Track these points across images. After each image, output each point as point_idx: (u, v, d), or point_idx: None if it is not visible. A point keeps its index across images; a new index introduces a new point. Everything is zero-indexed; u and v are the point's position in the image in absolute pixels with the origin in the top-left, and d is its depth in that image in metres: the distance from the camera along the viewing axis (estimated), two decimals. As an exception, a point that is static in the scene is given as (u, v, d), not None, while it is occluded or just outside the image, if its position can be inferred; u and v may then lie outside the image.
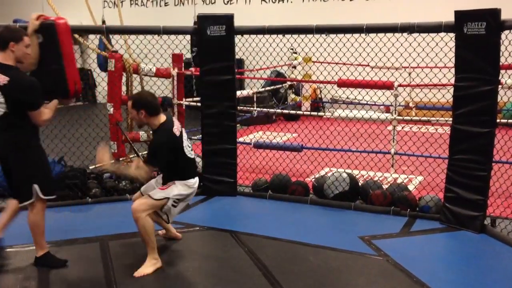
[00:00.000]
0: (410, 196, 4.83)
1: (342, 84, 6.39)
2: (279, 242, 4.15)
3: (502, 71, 4.56)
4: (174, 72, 6.60)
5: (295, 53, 10.32)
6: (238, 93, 7.08)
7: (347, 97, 10.52)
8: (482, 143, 4.22)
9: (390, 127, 6.20)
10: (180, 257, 3.88)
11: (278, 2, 12.14)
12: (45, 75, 3.59)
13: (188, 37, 6.52)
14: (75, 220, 4.73)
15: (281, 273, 3.59)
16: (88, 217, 4.83)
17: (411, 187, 5.55)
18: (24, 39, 3.44)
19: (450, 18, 4.30)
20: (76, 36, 7.50)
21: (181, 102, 6.80)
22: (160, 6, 13.48)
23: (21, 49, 3.42)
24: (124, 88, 6.40)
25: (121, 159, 6.31)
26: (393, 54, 5.33)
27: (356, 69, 6.27)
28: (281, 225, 4.57)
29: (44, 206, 3.59)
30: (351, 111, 6.29)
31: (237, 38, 5.26)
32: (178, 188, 3.66)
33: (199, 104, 5.59)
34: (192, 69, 7.64)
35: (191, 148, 3.79)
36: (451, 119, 4.45)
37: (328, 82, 6.39)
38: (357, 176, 5.32)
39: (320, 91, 11.22)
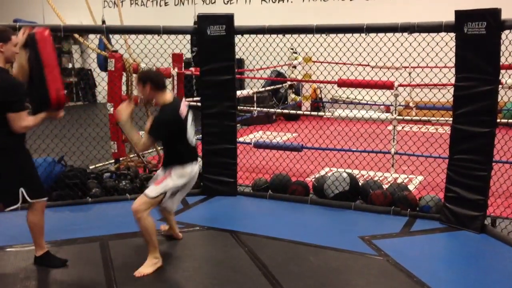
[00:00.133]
0: (410, 196, 4.83)
1: (342, 84, 6.38)
2: (279, 242, 4.15)
3: (502, 71, 4.55)
4: (174, 72, 6.60)
5: (295, 53, 10.33)
6: (238, 93, 7.08)
7: (347, 97, 10.52)
8: (482, 143, 4.22)
9: (390, 127, 6.20)
10: (180, 257, 3.88)
11: (278, 2, 12.13)
12: (32, 87, 3.53)
13: (188, 37, 6.51)
14: (75, 220, 4.72)
15: (281, 273, 3.58)
16: (88, 216, 4.83)
17: (411, 187, 5.54)
18: (12, 38, 3.41)
19: (450, 18, 4.30)
20: (76, 35, 7.51)
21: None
22: (160, 6, 13.48)
23: (10, 49, 3.40)
24: (124, 88, 6.40)
25: (121, 159, 6.31)
26: (393, 54, 5.32)
27: (356, 69, 6.26)
28: (281, 225, 4.57)
29: (44, 206, 3.59)
30: (351, 111, 6.29)
31: (237, 38, 5.26)
32: (173, 180, 3.64)
33: (199, 104, 5.58)
34: (192, 69, 7.64)
35: (194, 135, 3.77)
36: (451, 119, 4.45)
37: (328, 82, 6.39)
38: (357, 176, 5.32)
39: (320, 91, 11.22)
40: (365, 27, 4.67)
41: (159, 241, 4.00)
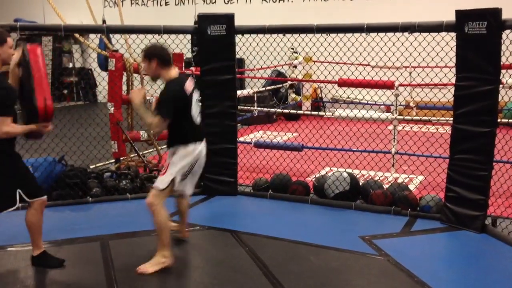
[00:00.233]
0: (411, 195, 4.83)
1: (342, 83, 6.38)
2: (279, 242, 4.15)
3: (503, 71, 4.55)
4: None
5: (296, 52, 10.33)
6: (239, 92, 7.08)
7: (348, 97, 10.52)
8: (483, 142, 4.22)
9: (390, 127, 6.20)
10: (180, 256, 3.88)
11: (279, 2, 12.13)
12: (22, 99, 3.52)
13: (188, 36, 6.50)
14: (75, 219, 4.72)
15: (282, 273, 3.58)
16: (88, 216, 4.83)
17: (411, 186, 5.54)
18: (8, 40, 3.41)
19: (450, 17, 4.30)
20: (77, 35, 7.51)
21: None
22: (161, 5, 13.48)
23: (6, 51, 3.40)
24: (124, 88, 6.40)
25: (121, 158, 6.31)
26: (393, 54, 5.32)
27: (356, 68, 6.26)
28: (281, 224, 4.57)
29: (43, 204, 3.58)
30: (351, 111, 6.29)
31: (238, 37, 5.26)
32: (177, 164, 3.57)
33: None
34: (193, 68, 7.63)
35: (198, 114, 3.69)
36: (451, 118, 4.45)
37: (329, 82, 6.39)
38: (357, 176, 5.32)
39: (321, 91, 11.22)
40: (365, 26, 4.67)
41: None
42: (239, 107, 6.59)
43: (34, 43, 3.72)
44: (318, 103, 11.02)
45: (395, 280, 3.54)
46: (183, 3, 13.20)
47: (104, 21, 7.30)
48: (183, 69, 6.78)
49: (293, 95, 10.97)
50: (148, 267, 3.57)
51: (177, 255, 3.65)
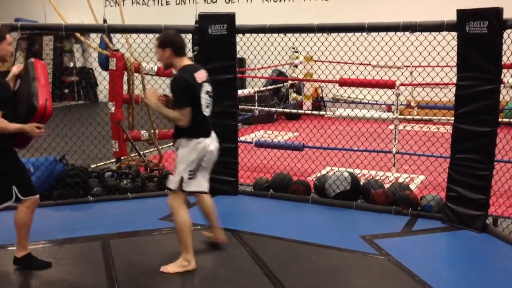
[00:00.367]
0: (412, 195, 4.82)
1: (343, 83, 6.38)
2: (280, 241, 4.15)
3: (504, 70, 4.55)
4: (176, 71, 6.58)
5: (296, 52, 10.32)
6: (240, 92, 7.08)
7: (349, 96, 10.51)
8: (484, 142, 4.21)
9: (391, 126, 6.20)
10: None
11: (280, 1, 12.12)
12: (19, 101, 3.51)
13: (189, 36, 6.50)
14: (76, 219, 4.73)
15: (283, 273, 3.58)
16: (89, 215, 4.84)
17: (412, 186, 5.53)
18: (7, 37, 3.41)
19: (451, 17, 4.29)
20: (78, 34, 7.51)
21: (169, 96, 6.78)
22: (162, 5, 13.47)
23: (4, 48, 3.40)
24: (125, 87, 6.40)
25: (122, 158, 6.31)
26: (394, 53, 5.32)
27: (357, 68, 6.25)
28: (282, 224, 4.57)
29: (36, 203, 3.56)
30: (352, 110, 6.28)
31: (238, 37, 5.26)
32: (183, 161, 3.46)
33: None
34: (194, 68, 7.63)
35: (208, 106, 3.54)
36: (452, 118, 4.44)
37: (330, 81, 6.39)
38: (358, 175, 5.32)
39: (322, 90, 11.21)
40: (366, 26, 4.67)
41: (165, 239, 4.00)
42: (239, 106, 6.59)
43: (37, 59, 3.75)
44: (319, 103, 11.01)
45: (396, 280, 3.53)
46: (184, 3, 13.19)
47: (105, 21, 7.29)
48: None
49: (294, 95, 10.96)
50: (169, 268, 3.55)
51: (178, 254, 3.64)
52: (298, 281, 3.47)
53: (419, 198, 4.82)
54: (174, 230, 3.65)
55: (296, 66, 10.48)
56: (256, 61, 5.83)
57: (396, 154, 5.89)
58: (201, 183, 3.59)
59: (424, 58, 5.32)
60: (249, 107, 8.12)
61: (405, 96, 9.10)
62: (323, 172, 5.91)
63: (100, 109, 7.18)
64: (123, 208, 5.02)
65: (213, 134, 3.63)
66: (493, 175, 4.30)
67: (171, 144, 7.03)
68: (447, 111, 5.83)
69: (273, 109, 8.65)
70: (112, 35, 6.96)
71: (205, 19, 5.12)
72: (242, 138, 6.61)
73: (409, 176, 5.89)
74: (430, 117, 6.09)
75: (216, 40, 5.09)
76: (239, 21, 5.13)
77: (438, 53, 4.86)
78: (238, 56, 5.56)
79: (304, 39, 5.40)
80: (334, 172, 5.17)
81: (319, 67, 6.28)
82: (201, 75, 3.51)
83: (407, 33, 4.60)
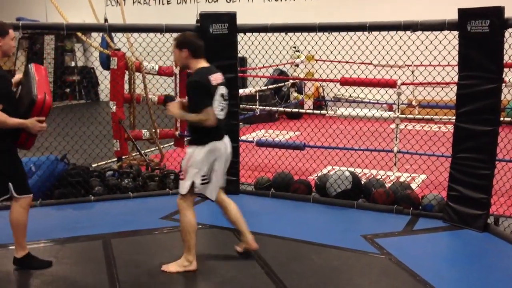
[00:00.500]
0: (413, 194, 4.82)
1: (344, 82, 6.37)
2: (281, 241, 4.15)
3: (506, 69, 4.55)
4: (177, 70, 6.60)
5: (298, 51, 10.32)
6: (241, 91, 7.08)
7: (350, 95, 10.50)
8: (486, 141, 4.21)
9: (393, 126, 6.19)
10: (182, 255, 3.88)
11: (281, 0, 12.11)
12: (21, 102, 3.51)
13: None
14: (77, 218, 4.73)
15: (284, 272, 3.58)
16: (90, 215, 4.84)
17: (414, 185, 5.53)
18: (10, 32, 3.42)
19: (453, 16, 4.29)
20: (79, 34, 7.51)
21: (184, 100, 6.79)
22: (163, 4, 13.47)
23: (7, 43, 3.41)
24: (126, 86, 6.40)
25: (123, 157, 6.32)
26: (396, 52, 5.31)
27: (359, 67, 6.25)
28: (283, 223, 4.57)
29: (30, 203, 3.56)
30: (354, 110, 6.28)
31: (240, 36, 5.26)
32: (193, 166, 3.42)
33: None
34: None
35: (222, 109, 3.48)
36: (454, 117, 4.44)
37: (331, 81, 6.38)
38: (359, 175, 5.31)
39: (323, 89, 11.20)
40: (368, 25, 4.66)
41: (169, 239, 3.99)
42: (241, 105, 6.59)
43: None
44: (320, 102, 11.00)
45: (397, 279, 3.53)
46: (185, 2, 13.19)
47: (106, 20, 7.31)
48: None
49: (295, 94, 10.96)
50: (171, 267, 3.56)
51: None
52: (299, 281, 3.47)
53: (420, 197, 4.81)
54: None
55: (297, 65, 10.47)
56: (257, 60, 5.83)
57: (398, 153, 5.88)
58: (213, 191, 3.55)
59: (426, 57, 5.32)
60: (250, 106, 8.12)
61: (407, 95, 9.09)
62: (324, 171, 5.90)
63: (101, 108, 7.18)
64: (124, 207, 5.02)
65: (226, 138, 3.60)
66: (494, 174, 4.30)
67: (172, 143, 7.03)
68: (448, 110, 5.83)
69: (274, 108, 8.64)
70: (113, 34, 6.97)
71: (206, 18, 5.12)
72: (243, 137, 6.61)
73: (410, 176, 5.88)
74: (432, 116, 6.08)
75: (217, 39, 5.09)
76: (240, 20, 5.13)
77: (440, 52, 4.85)
78: (239, 55, 5.56)
79: (305, 38, 5.40)
80: (335, 172, 5.16)
81: (320, 66, 6.28)
82: (216, 77, 3.47)
83: (408, 32, 4.59)
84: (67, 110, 11.12)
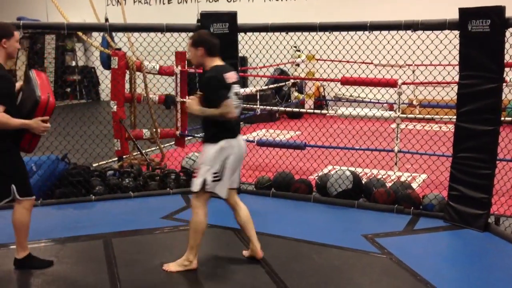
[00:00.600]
0: (414, 194, 4.82)
1: (345, 82, 6.37)
2: (282, 240, 4.15)
3: (507, 69, 4.54)
4: (177, 70, 6.60)
5: (298, 50, 10.32)
6: (242, 90, 7.06)
7: (351, 95, 10.50)
8: (486, 141, 4.21)
9: (393, 125, 6.19)
10: (183, 254, 3.88)
11: (282, 0, 12.11)
12: (23, 105, 3.51)
13: (191, 34, 6.51)
14: (78, 217, 4.73)
15: (285, 271, 3.58)
16: (91, 214, 4.84)
17: (414, 185, 5.53)
18: (15, 34, 3.42)
19: (454, 15, 4.29)
20: (80, 33, 7.52)
21: (184, 99, 6.80)
22: (163, 3, 13.47)
23: (12, 45, 3.40)
24: (127, 86, 6.40)
25: (124, 156, 6.32)
26: (397, 52, 5.31)
27: (359, 66, 6.24)
28: (284, 223, 4.57)
29: (32, 205, 3.56)
30: (354, 109, 6.28)
31: (240, 35, 5.26)
32: (205, 163, 3.41)
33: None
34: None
35: (236, 107, 3.45)
36: (455, 117, 4.44)
37: (332, 80, 6.37)
38: (360, 174, 5.31)
39: (324, 89, 11.20)
40: (368, 24, 4.66)
41: (170, 238, 3.99)
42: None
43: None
44: (321, 101, 11.00)
45: (398, 279, 3.53)
46: (186, 1, 13.19)
47: (106, 19, 7.31)
48: (186, 67, 6.78)
49: (296, 93, 10.96)
50: (171, 266, 3.57)
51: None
52: (300, 280, 3.47)
53: (421, 197, 4.81)
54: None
55: (298, 64, 10.48)
56: (258, 60, 5.82)
57: (398, 153, 5.88)
58: (223, 188, 3.51)
59: (426, 57, 5.32)
60: (251, 106, 8.12)
61: (407, 95, 9.08)
62: (325, 171, 5.90)
63: (102, 108, 7.19)
64: (125, 207, 5.03)
65: (240, 136, 3.59)
66: (495, 174, 4.29)
67: (173, 143, 7.04)
68: (449, 109, 5.82)
69: (275, 108, 8.64)
70: (114, 34, 6.98)
71: (207, 18, 5.12)
72: (244, 137, 6.59)
73: (411, 175, 5.88)
74: (432, 115, 6.07)
75: (218, 38, 5.07)
76: (241, 20, 5.13)
77: (440, 52, 4.85)
78: (240, 54, 5.56)
79: (306, 37, 5.40)
80: (336, 171, 5.16)
81: (321, 66, 6.27)
82: (231, 76, 3.46)
83: (409, 32, 4.59)
84: (68, 110, 11.12)
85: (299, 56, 10.35)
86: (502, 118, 4.38)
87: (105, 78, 6.93)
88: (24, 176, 3.56)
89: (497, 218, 4.41)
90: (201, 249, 4.00)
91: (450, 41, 4.59)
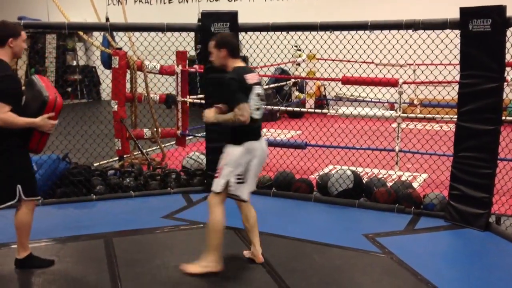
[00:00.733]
0: (415, 193, 4.82)
1: (346, 81, 6.37)
2: (283, 240, 4.15)
3: (508, 68, 4.54)
4: (178, 69, 6.61)
5: (299, 50, 10.32)
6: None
7: (351, 95, 10.50)
8: (487, 140, 4.21)
9: (394, 125, 6.19)
10: (183, 254, 3.88)
11: (282, 0, 12.11)
12: (28, 107, 3.49)
13: (192, 34, 6.51)
14: (79, 217, 4.74)
15: (285, 271, 3.58)
16: (92, 214, 4.85)
17: (415, 184, 5.53)
18: (22, 33, 3.42)
19: (455, 15, 4.29)
20: (81, 33, 7.52)
21: (185, 99, 6.81)
22: (164, 3, 13.48)
23: (19, 44, 3.40)
24: (128, 86, 6.40)
25: (125, 156, 6.32)
26: (397, 51, 5.30)
27: (360, 66, 6.24)
28: (285, 222, 4.57)
29: (34, 206, 3.55)
30: (355, 109, 6.28)
31: (241, 35, 5.25)
32: (228, 164, 3.41)
33: (203, 101, 5.58)
34: (196, 66, 7.64)
35: (258, 108, 3.46)
36: (455, 116, 4.43)
37: (332, 79, 6.37)
38: (361, 174, 5.31)
39: (324, 88, 11.20)
40: (369, 24, 4.66)
41: (170, 238, 3.98)
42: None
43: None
44: (321, 101, 11.00)
45: (399, 278, 3.53)
46: (187, 1, 13.19)
47: (107, 19, 7.31)
48: (187, 67, 6.78)
49: (297, 93, 10.96)
50: (190, 267, 3.53)
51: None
52: (301, 280, 3.47)
53: (422, 196, 4.81)
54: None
55: (298, 64, 10.48)
56: (258, 59, 5.82)
57: (399, 152, 5.88)
58: (246, 190, 3.52)
59: (427, 56, 5.31)
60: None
61: (408, 94, 9.08)
62: (326, 170, 5.90)
63: (103, 107, 7.19)
64: (126, 206, 5.03)
65: (262, 139, 3.58)
66: (496, 173, 4.29)
67: (174, 142, 7.04)
68: (450, 109, 5.82)
69: (276, 107, 8.64)
70: (114, 33, 6.98)
71: (207, 17, 5.12)
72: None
73: (411, 175, 5.88)
74: (433, 115, 6.07)
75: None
76: (241, 19, 5.13)
77: (441, 51, 4.84)
78: (241, 54, 5.56)
79: (306, 37, 5.39)
80: (337, 170, 5.16)
81: (321, 65, 6.26)
82: (252, 77, 3.47)
83: (409, 31, 4.59)
84: (69, 109, 11.12)
85: (299, 56, 10.35)
86: (503, 118, 4.38)
87: (106, 77, 6.93)
88: (30, 176, 3.56)
89: (498, 218, 4.40)
90: (201, 248, 4.00)
91: (451, 41, 4.59)
